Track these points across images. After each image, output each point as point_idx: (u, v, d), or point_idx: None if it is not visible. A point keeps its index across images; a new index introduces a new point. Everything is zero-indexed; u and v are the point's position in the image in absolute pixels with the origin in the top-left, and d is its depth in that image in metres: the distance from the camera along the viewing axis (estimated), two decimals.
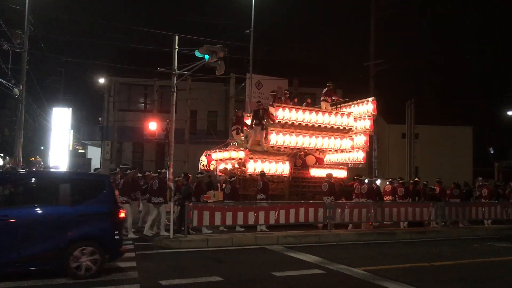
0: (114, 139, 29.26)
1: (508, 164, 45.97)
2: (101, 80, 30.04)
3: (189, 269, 8.74)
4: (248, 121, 16.83)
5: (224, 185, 14.74)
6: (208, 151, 17.90)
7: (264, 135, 15.24)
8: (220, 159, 16.65)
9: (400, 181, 16.40)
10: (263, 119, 15.41)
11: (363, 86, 28.94)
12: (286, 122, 15.28)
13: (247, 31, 20.94)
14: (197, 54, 15.52)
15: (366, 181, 15.54)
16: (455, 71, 57.43)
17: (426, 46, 60.94)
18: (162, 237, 11.60)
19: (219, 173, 16.46)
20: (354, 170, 17.76)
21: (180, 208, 12.36)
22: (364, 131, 17.07)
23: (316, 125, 15.73)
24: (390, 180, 17.22)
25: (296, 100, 17.39)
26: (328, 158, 17.46)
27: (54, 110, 32.55)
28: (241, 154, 15.24)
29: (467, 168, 36.32)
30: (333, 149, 16.24)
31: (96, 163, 31.32)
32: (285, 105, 15.82)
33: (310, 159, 16.22)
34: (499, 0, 66.66)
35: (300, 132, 15.39)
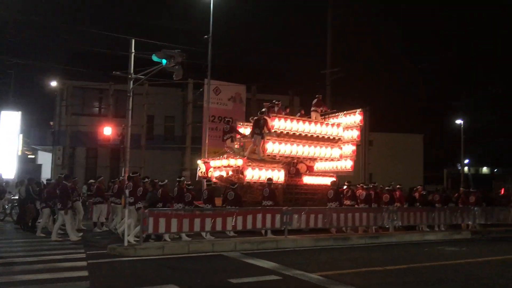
0: (66, 144, 28.35)
1: (457, 171, 48.00)
2: (53, 83, 29.05)
3: (144, 278, 8.54)
4: (241, 130, 17.97)
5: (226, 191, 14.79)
6: (206, 159, 18.24)
7: (261, 143, 15.73)
8: (218, 167, 16.83)
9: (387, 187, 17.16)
10: (263, 129, 15.83)
11: (321, 93, 29.46)
12: (281, 132, 15.89)
13: (206, 36, 20.86)
14: (154, 58, 15.33)
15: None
16: (408, 80, 59.58)
17: (381, 55, 62.88)
18: (115, 245, 11.28)
19: (215, 180, 16.68)
20: (342, 177, 18.48)
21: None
22: (351, 141, 17.71)
23: (309, 135, 16.44)
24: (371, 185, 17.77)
25: (288, 110, 18.15)
26: (318, 166, 18.03)
27: (3, 113, 31.10)
28: (239, 162, 15.64)
29: (418, 173, 37.64)
30: (324, 157, 16.88)
31: (47, 168, 30.21)
32: (281, 115, 16.42)
33: (302, 167, 16.92)
34: (454, 10, 69.89)
35: (294, 141, 16.05)
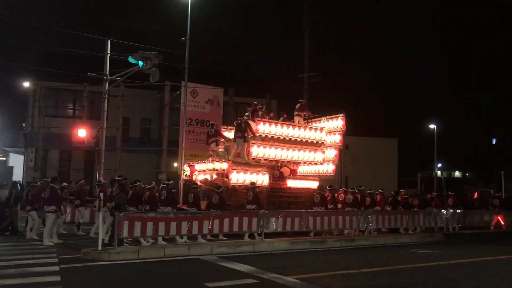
0: (39, 146, 27.75)
1: (430, 175, 48.94)
2: (26, 84, 28.41)
3: (118, 283, 8.40)
4: (226, 133, 17.99)
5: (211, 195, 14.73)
6: (191, 162, 18.15)
7: (246, 147, 15.90)
8: (204, 170, 16.84)
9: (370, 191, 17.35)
10: (245, 132, 15.98)
11: (298, 97, 29.66)
12: (266, 136, 16.09)
13: (183, 38, 20.73)
14: (131, 60, 15.17)
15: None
16: (383, 86, 60.56)
17: (358, 60, 63.75)
18: (89, 249, 11.07)
19: (200, 184, 16.69)
20: (326, 181, 18.96)
21: (113, 218, 11.87)
22: (334, 145, 18.12)
23: (293, 139, 16.66)
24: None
25: (271, 114, 18.33)
26: (301, 170, 18.28)
27: None
28: (224, 165, 15.73)
29: (393, 177, 38.21)
30: (307, 161, 17.15)
31: (18, 171, 29.46)
32: (265, 120, 16.61)
33: (285, 171, 17.13)
34: (427, 16, 71.39)
35: (278, 145, 16.28)
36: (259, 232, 13.18)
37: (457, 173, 60.85)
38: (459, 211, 18.80)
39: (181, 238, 12.69)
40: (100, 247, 10.81)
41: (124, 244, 11.74)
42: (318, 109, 22.17)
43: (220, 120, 26.82)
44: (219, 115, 26.97)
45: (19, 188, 16.26)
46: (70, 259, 10.38)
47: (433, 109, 48.80)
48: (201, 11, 24.56)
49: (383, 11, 71.62)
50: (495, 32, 66.68)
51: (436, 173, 45.30)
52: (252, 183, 14.84)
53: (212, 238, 13.45)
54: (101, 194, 11.68)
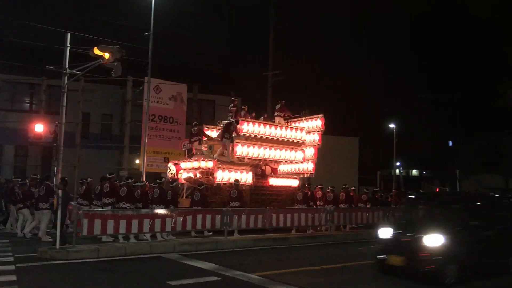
0: None
1: (389, 173, 50.26)
2: None
3: (76, 282, 8.19)
4: (208, 132, 18.48)
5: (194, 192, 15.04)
6: (177, 161, 18.32)
7: (230, 146, 16.45)
8: (189, 168, 17.02)
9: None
10: (232, 133, 16.49)
11: (262, 95, 29.81)
12: (250, 135, 16.68)
13: (146, 33, 20.34)
14: (92, 54, 14.77)
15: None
16: (346, 85, 61.56)
17: (321, 59, 64.58)
18: (46, 248, 10.72)
19: (183, 181, 16.95)
20: (304, 179, 19.70)
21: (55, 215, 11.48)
22: (313, 145, 18.68)
23: (275, 138, 17.35)
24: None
25: (253, 114, 18.69)
26: (281, 168, 18.74)
27: None
28: (209, 164, 16.02)
29: (354, 176, 38.94)
30: (288, 160, 17.77)
31: None
32: (249, 120, 17.21)
33: (267, 169, 17.56)
34: (391, 16, 73.03)
35: (261, 144, 16.85)
36: (222, 229, 13.14)
37: (414, 172, 62.78)
38: None
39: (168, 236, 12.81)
40: (58, 246, 10.49)
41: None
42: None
43: (183, 117, 26.56)
44: (183, 112, 26.68)
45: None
46: (27, 258, 10.02)
47: (394, 109, 50.13)
48: (165, 5, 24.18)
49: (347, 12, 72.88)
50: (455, 34, 69.14)
51: (395, 171, 46.59)
52: (236, 181, 15.05)
53: (197, 235, 13.54)
54: (59, 191, 11.30)
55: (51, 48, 20.52)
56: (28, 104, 28.98)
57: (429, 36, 72.75)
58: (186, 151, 22.56)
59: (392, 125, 43.41)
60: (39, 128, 22.30)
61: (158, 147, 25.18)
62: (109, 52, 14.28)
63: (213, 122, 28.70)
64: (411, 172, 62.37)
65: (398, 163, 46.97)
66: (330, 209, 16.00)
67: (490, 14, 63.29)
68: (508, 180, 44.16)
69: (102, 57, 14.37)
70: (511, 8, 68.22)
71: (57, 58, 18.95)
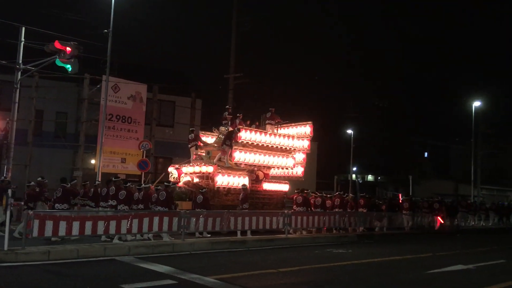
0: None
1: (345, 178, 51.31)
2: None
3: (24, 286, 7.87)
4: (204, 138, 19.54)
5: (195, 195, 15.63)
6: (177, 165, 19.09)
7: (229, 152, 17.43)
8: (191, 173, 17.91)
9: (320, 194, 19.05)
10: (233, 140, 17.40)
11: (223, 97, 29.76)
12: (247, 142, 17.86)
13: (105, 30, 19.88)
14: (47, 49, 14.33)
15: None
16: (306, 89, 62.39)
17: (283, 64, 65.16)
18: None
19: (182, 185, 17.34)
20: (294, 183, 20.54)
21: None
22: (302, 150, 20.00)
23: (270, 145, 18.63)
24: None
25: (248, 122, 19.65)
26: (272, 172, 19.69)
27: None
28: (210, 168, 17.12)
29: (312, 180, 39.51)
30: (280, 166, 19.05)
31: None
32: (247, 127, 18.50)
33: (260, 174, 18.34)
34: (351, 20, 74.61)
35: (256, 151, 17.97)
36: (180, 232, 13.01)
37: (369, 177, 64.36)
38: (369, 213, 19.93)
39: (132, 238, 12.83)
40: (6, 247, 10.06)
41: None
42: (243, 110, 22.45)
43: (142, 117, 26.14)
44: (142, 112, 26.23)
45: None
46: None
47: (351, 115, 51.22)
48: (126, 3, 23.72)
49: (310, 17, 73.98)
50: (415, 38, 71.52)
51: (351, 176, 47.61)
52: (244, 185, 16.21)
53: (201, 236, 13.99)
54: (9, 191, 10.85)
55: (3, 42, 19.68)
56: None
57: (387, 46, 74.90)
58: (144, 152, 22.22)
59: (349, 131, 44.36)
60: None
61: (115, 147, 24.66)
62: (66, 49, 13.90)
63: (172, 124, 28.41)
64: (367, 177, 63.92)
65: (354, 168, 48.04)
66: (288, 213, 16.18)
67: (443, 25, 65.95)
68: (458, 185, 46.07)
69: (58, 53, 13.96)
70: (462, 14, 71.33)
71: (10, 53, 18.26)
